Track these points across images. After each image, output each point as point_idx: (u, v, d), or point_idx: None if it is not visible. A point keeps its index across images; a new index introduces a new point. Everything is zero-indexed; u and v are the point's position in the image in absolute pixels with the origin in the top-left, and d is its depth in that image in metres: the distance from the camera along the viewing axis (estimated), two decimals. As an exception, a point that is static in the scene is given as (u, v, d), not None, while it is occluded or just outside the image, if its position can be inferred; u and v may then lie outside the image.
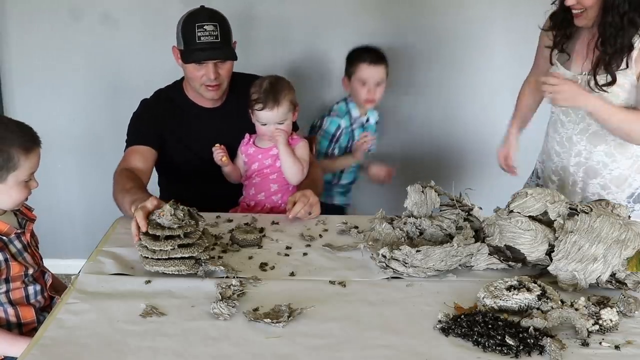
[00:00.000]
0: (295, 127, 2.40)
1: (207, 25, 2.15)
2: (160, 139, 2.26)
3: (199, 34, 2.14)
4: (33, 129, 1.81)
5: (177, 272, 1.68)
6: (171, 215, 1.70)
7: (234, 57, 2.22)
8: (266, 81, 2.21)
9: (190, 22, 2.17)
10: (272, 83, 2.21)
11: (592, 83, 2.04)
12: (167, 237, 1.69)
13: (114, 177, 2.16)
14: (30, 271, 1.82)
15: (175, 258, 1.68)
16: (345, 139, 2.75)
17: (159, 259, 1.68)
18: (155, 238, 1.69)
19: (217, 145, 2.22)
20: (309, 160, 2.31)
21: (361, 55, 2.67)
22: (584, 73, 2.11)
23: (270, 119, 2.19)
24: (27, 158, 1.74)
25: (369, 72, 2.64)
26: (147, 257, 1.69)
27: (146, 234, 1.70)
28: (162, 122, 2.28)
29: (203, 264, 1.71)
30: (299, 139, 2.30)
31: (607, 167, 2.18)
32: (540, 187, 2.31)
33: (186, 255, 1.68)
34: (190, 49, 2.17)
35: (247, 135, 2.31)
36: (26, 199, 1.82)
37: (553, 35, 2.19)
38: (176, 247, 1.68)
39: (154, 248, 1.68)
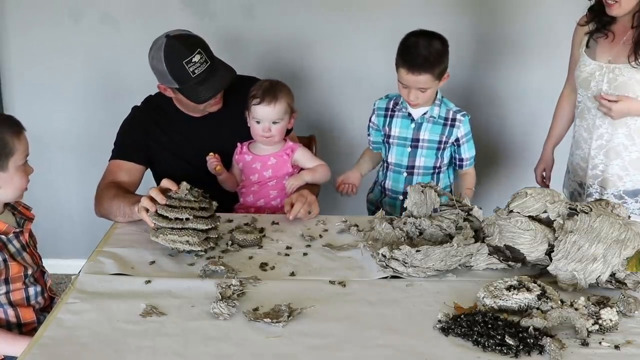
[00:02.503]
0: (288, 131, 2.38)
1: (194, 57, 2.08)
2: (148, 152, 2.26)
3: (191, 68, 2.08)
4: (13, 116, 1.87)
5: (188, 245, 1.77)
6: (187, 190, 1.82)
7: (234, 72, 2.20)
8: (267, 81, 2.22)
9: (175, 62, 2.09)
10: (272, 82, 2.21)
11: (632, 60, 2.17)
12: (184, 207, 1.79)
13: (100, 188, 2.14)
14: (30, 271, 1.82)
15: (189, 228, 1.77)
16: (379, 121, 2.42)
17: (173, 228, 1.77)
18: (173, 208, 1.79)
19: (212, 154, 2.18)
20: (315, 163, 2.30)
21: (403, 56, 2.22)
22: (609, 61, 2.24)
23: (266, 115, 2.16)
24: (20, 141, 1.77)
25: (408, 80, 2.22)
26: (161, 227, 1.78)
27: (162, 206, 1.81)
28: (150, 133, 2.26)
29: (211, 243, 1.82)
30: (296, 146, 2.27)
31: (627, 149, 2.27)
32: (570, 179, 2.48)
33: (199, 228, 1.78)
34: (191, 86, 2.11)
35: (239, 145, 2.27)
36: (26, 188, 1.83)
37: (589, 27, 2.30)
38: (192, 217, 1.78)
39: (170, 215, 1.77)
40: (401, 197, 2.41)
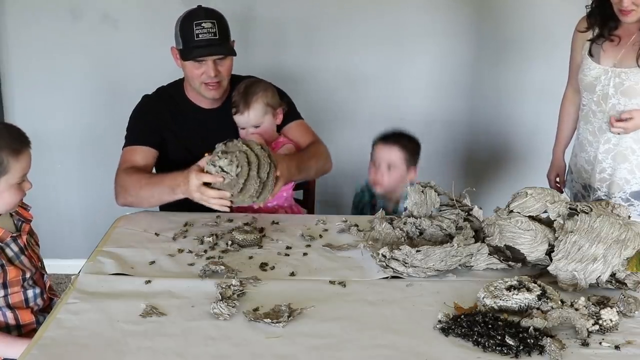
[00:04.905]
0: (296, 115, 2.37)
1: (205, 22, 2.15)
2: (160, 137, 2.27)
3: (197, 31, 2.14)
4: (21, 129, 1.79)
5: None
6: (226, 160, 1.86)
7: (233, 53, 2.22)
8: (243, 85, 2.23)
9: (188, 21, 2.17)
10: (247, 86, 2.22)
11: None
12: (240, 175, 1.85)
13: (121, 177, 2.15)
14: (28, 274, 1.81)
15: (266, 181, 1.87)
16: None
17: (261, 192, 1.86)
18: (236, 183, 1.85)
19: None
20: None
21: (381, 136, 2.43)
22: (614, 65, 2.23)
23: (243, 123, 2.20)
24: (18, 161, 1.72)
25: (381, 151, 2.39)
26: (253, 196, 1.86)
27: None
28: (162, 119, 2.28)
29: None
30: (284, 141, 2.27)
31: (635, 152, 2.26)
32: (573, 181, 2.48)
33: (267, 170, 1.87)
34: (190, 47, 2.17)
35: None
36: (20, 201, 1.81)
37: (592, 32, 2.29)
38: (256, 171, 1.85)
39: (250, 188, 1.85)
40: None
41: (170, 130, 2.28)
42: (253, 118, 2.19)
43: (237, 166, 1.85)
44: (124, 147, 2.25)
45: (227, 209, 1.94)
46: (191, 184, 1.91)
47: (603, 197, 2.33)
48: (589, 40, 2.30)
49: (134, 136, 2.26)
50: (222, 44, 2.18)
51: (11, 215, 1.86)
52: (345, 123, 3.18)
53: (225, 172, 1.86)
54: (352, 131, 3.19)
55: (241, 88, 2.22)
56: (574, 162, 2.49)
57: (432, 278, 1.70)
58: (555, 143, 2.60)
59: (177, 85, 2.35)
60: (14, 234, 1.81)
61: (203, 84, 2.21)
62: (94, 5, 3.01)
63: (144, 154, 2.22)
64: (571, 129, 2.54)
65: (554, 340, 1.39)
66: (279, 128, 2.32)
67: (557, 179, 2.61)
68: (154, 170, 2.28)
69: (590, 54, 2.29)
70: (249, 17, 3.02)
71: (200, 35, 2.14)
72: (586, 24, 2.30)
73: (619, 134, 2.23)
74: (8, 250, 1.79)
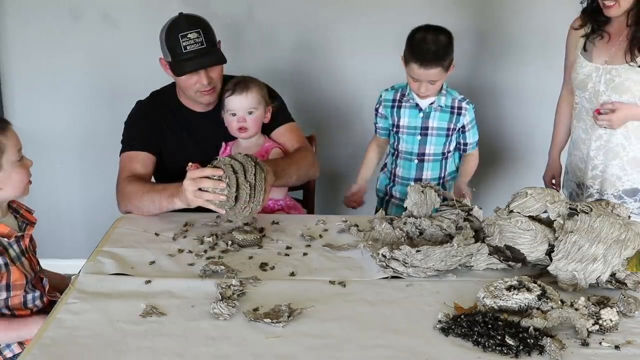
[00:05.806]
0: (287, 118, 2.38)
1: (190, 33, 2.13)
2: (157, 142, 2.26)
3: (184, 43, 2.13)
4: None
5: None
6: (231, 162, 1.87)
7: (223, 61, 2.21)
8: (239, 76, 2.26)
9: (172, 33, 2.15)
10: (244, 77, 2.25)
11: (629, 58, 2.18)
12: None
13: (122, 187, 2.15)
14: (28, 278, 1.81)
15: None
16: (387, 111, 2.51)
17: (254, 194, 1.86)
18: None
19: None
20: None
21: (414, 52, 2.31)
22: (605, 62, 2.23)
23: (240, 105, 2.19)
24: (7, 137, 1.74)
25: (420, 74, 2.32)
26: (248, 201, 1.85)
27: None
28: (158, 124, 2.27)
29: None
30: (272, 145, 2.28)
31: (625, 148, 2.27)
32: (569, 180, 2.49)
33: (253, 172, 1.86)
34: (179, 60, 2.15)
35: (223, 144, 2.29)
36: (29, 181, 1.82)
37: (585, 29, 2.30)
38: (243, 177, 1.85)
39: (243, 194, 1.84)
40: (412, 183, 2.45)
41: (165, 135, 2.27)
42: (251, 100, 2.19)
43: (226, 177, 1.84)
44: (121, 153, 2.24)
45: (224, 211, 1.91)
46: (188, 191, 1.90)
47: (596, 195, 2.34)
48: (582, 36, 2.31)
49: (131, 143, 2.25)
50: (210, 52, 2.17)
51: (15, 217, 1.86)
52: (341, 124, 3.18)
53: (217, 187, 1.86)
54: (348, 132, 3.19)
55: (237, 78, 2.24)
56: (569, 162, 2.50)
57: (432, 278, 1.70)
58: (551, 145, 2.60)
59: (170, 90, 2.34)
60: (19, 234, 1.81)
61: (198, 91, 2.21)
62: (93, 5, 3.01)
63: (143, 161, 2.22)
64: (567, 130, 2.54)
65: (554, 340, 1.39)
66: (269, 129, 2.32)
67: (553, 181, 2.61)
68: (152, 177, 2.28)
69: (584, 49, 2.30)
70: (247, 19, 3.01)
71: (187, 47, 2.13)
72: (580, 21, 2.31)
73: (605, 127, 2.24)
74: (11, 251, 1.78)
